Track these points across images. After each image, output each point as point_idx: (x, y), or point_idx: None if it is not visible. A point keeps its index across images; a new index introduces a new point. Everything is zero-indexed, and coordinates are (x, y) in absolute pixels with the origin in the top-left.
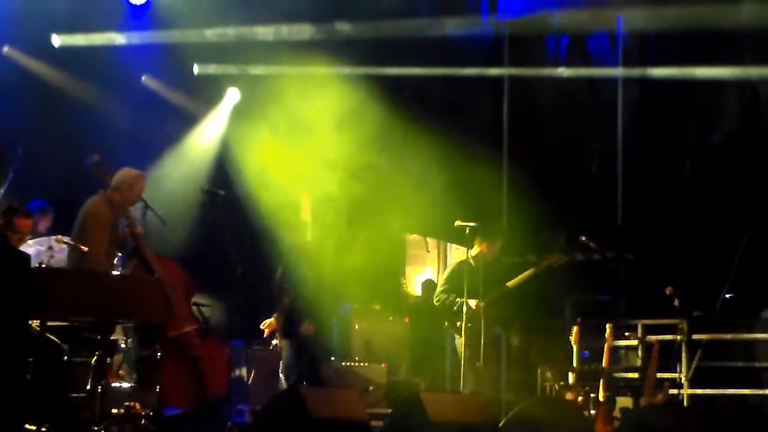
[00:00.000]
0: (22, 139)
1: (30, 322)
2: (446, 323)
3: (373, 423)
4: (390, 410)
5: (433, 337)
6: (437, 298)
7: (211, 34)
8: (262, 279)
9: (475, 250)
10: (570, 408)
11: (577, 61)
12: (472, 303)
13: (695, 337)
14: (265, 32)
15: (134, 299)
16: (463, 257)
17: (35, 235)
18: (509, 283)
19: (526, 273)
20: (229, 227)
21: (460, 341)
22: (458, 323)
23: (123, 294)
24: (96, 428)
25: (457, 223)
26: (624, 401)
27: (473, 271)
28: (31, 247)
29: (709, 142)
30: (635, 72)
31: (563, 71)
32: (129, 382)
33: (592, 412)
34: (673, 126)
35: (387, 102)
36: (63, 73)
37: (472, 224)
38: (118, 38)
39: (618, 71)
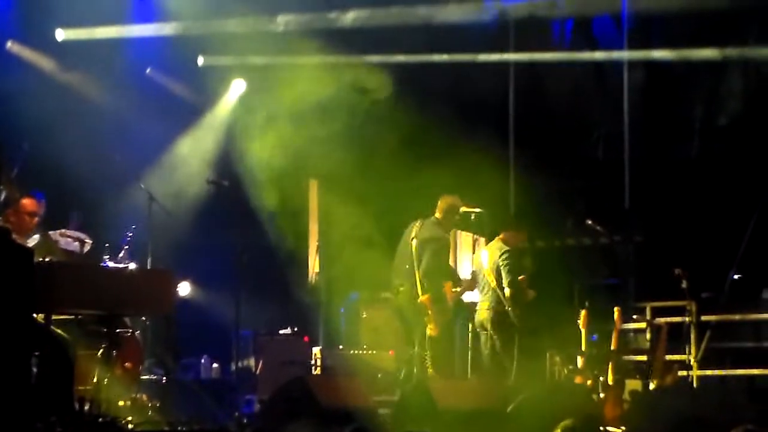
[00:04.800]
0: (27, 135)
1: (35, 316)
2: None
3: (381, 410)
4: (397, 398)
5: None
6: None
7: (215, 25)
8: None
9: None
10: (579, 392)
11: (583, 45)
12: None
13: (704, 318)
14: (269, 22)
15: (141, 292)
16: (470, 242)
17: None
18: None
19: None
20: (234, 218)
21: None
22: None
23: (129, 287)
24: (102, 420)
25: (463, 209)
26: (633, 384)
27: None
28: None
29: (714, 123)
30: (640, 55)
31: (568, 56)
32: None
33: (602, 395)
34: (679, 108)
35: (393, 90)
36: (67, 68)
37: (477, 210)
38: (122, 31)
39: (623, 54)
